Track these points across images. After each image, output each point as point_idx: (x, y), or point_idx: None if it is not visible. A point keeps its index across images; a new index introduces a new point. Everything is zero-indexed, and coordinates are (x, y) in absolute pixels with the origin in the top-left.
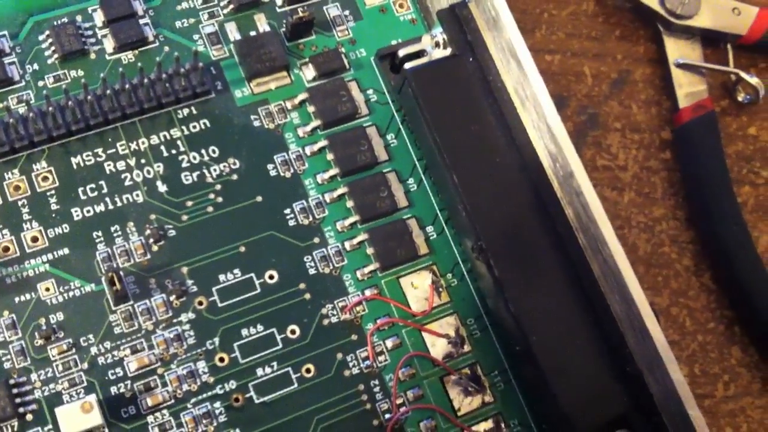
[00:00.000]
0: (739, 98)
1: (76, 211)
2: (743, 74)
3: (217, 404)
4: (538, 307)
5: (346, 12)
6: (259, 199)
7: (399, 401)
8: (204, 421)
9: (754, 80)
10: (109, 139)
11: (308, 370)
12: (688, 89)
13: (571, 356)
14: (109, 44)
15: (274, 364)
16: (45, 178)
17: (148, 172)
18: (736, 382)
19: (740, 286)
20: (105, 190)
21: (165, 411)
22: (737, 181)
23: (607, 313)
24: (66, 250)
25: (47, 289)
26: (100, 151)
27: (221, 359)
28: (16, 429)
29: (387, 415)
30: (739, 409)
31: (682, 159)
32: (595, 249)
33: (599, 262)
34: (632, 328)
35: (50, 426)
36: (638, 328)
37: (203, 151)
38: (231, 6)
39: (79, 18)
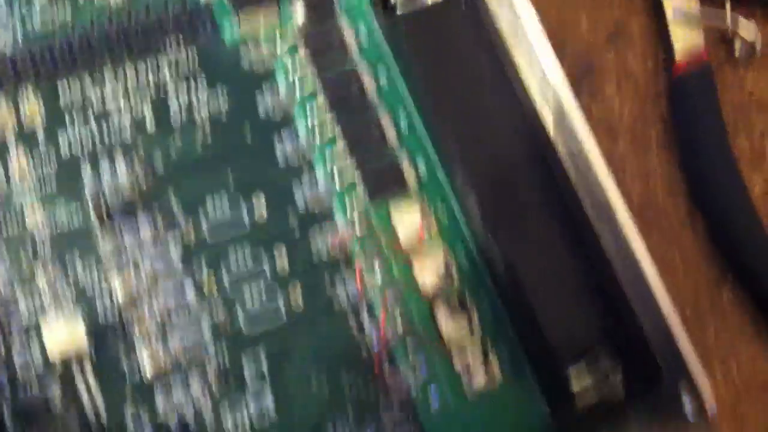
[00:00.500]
0: (736, 51)
1: (63, 147)
2: (740, 27)
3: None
4: (528, 244)
5: None
6: (248, 138)
7: (387, 332)
8: (192, 347)
9: (751, 33)
10: (97, 78)
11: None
12: (684, 41)
13: (557, 289)
14: None
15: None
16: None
17: (137, 112)
18: (727, 326)
19: (734, 236)
20: (93, 128)
21: (153, 337)
22: (733, 133)
23: (596, 246)
24: (54, 186)
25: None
26: (87, 90)
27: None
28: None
29: (375, 346)
30: (730, 353)
31: (678, 110)
32: (586, 183)
33: (588, 192)
34: (621, 260)
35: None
36: (626, 256)
37: (191, 91)
38: None
39: None
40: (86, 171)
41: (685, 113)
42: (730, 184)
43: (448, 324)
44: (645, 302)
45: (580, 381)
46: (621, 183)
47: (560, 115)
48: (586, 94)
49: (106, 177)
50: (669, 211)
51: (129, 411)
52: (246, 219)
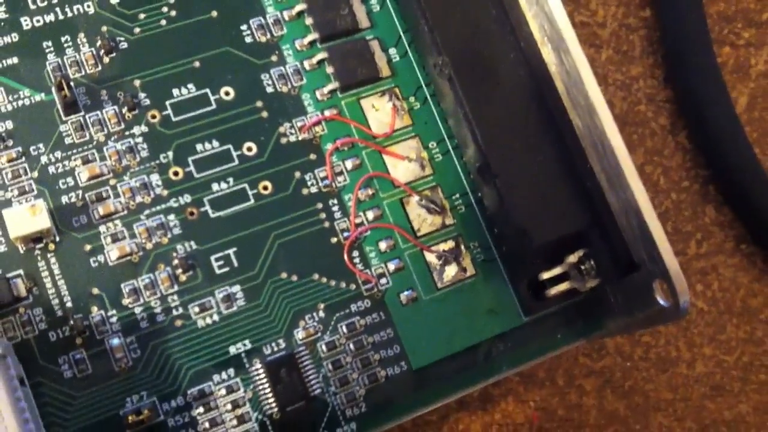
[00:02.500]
0: None
1: (25, 20)
2: None
3: (171, 216)
4: (499, 122)
5: None
6: (214, 14)
7: (358, 220)
8: (158, 233)
9: None
10: None
11: (265, 187)
12: None
13: (530, 172)
14: None
15: (230, 179)
16: None
17: None
18: (708, 240)
19: (717, 145)
20: (55, 0)
21: (117, 221)
22: (718, 41)
23: (569, 128)
24: (15, 59)
25: None
26: None
27: (175, 173)
28: None
29: (345, 234)
30: (711, 267)
31: (663, 17)
32: (560, 61)
33: (562, 74)
34: (593, 143)
35: None
36: (599, 141)
37: None
38: None
39: None
40: (49, 48)
41: (671, 19)
42: (715, 94)
43: (420, 216)
44: (613, 180)
45: (551, 270)
46: (603, 93)
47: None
48: (569, 2)
49: (68, 53)
50: (651, 121)
51: (93, 294)
52: (213, 101)
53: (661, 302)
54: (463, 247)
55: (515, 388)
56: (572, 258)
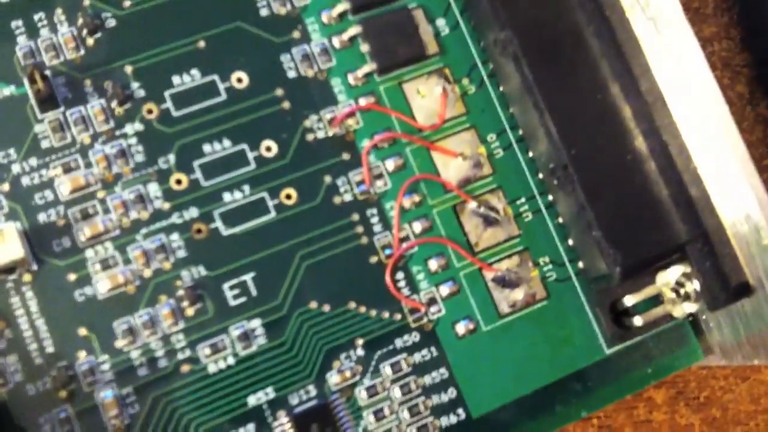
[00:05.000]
0: None
1: None
2: None
3: (174, 236)
4: (577, 112)
5: None
6: None
7: (402, 234)
8: (158, 257)
9: None
10: None
11: (288, 196)
12: None
13: (616, 173)
14: None
15: (246, 188)
16: None
17: None
18: None
19: None
20: None
21: (108, 243)
22: None
23: (665, 119)
24: None
25: None
26: None
27: (178, 181)
28: None
29: (387, 251)
30: None
31: None
32: (655, 32)
33: (658, 50)
34: (699, 139)
35: None
36: (707, 135)
37: None
38: None
39: None
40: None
41: None
42: None
43: (478, 226)
44: (732, 197)
45: (640, 293)
46: None
47: None
48: None
49: (43, 35)
50: (727, 89)
51: (79, 336)
52: (222, 90)
53: None
54: (530, 263)
55: None
56: (667, 278)
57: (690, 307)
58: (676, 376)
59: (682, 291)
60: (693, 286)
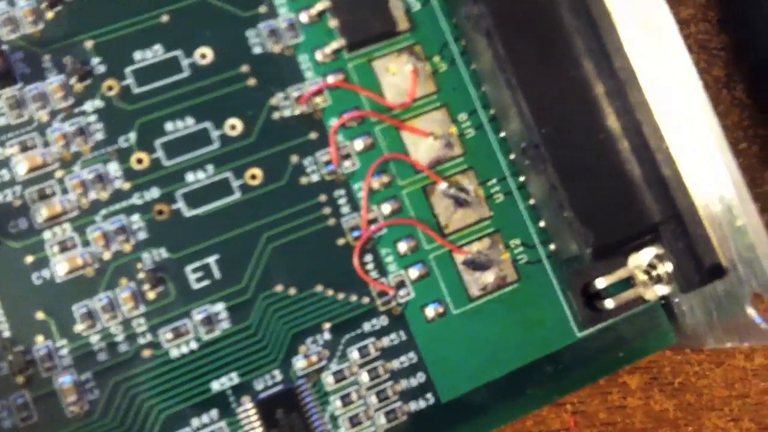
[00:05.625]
0: None
1: None
2: None
3: (135, 217)
4: (549, 89)
5: None
6: None
7: (370, 216)
8: (118, 238)
9: None
10: None
11: (253, 176)
12: None
13: (589, 153)
14: None
15: (209, 167)
16: None
17: None
18: None
19: None
20: None
21: (66, 225)
22: None
23: (639, 97)
24: None
25: None
26: None
27: (139, 160)
28: None
29: (355, 233)
30: None
31: None
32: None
33: (632, 24)
34: (672, 118)
35: None
36: (681, 115)
37: None
38: None
39: None
40: None
41: None
42: None
43: (449, 208)
44: (706, 178)
45: (611, 275)
46: None
47: None
48: None
49: (1, 6)
50: (704, 72)
51: (37, 320)
52: (186, 66)
53: (756, 320)
54: (501, 246)
55: None
56: (640, 260)
57: (662, 290)
58: (650, 361)
59: (654, 273)
60: (665, 268)
